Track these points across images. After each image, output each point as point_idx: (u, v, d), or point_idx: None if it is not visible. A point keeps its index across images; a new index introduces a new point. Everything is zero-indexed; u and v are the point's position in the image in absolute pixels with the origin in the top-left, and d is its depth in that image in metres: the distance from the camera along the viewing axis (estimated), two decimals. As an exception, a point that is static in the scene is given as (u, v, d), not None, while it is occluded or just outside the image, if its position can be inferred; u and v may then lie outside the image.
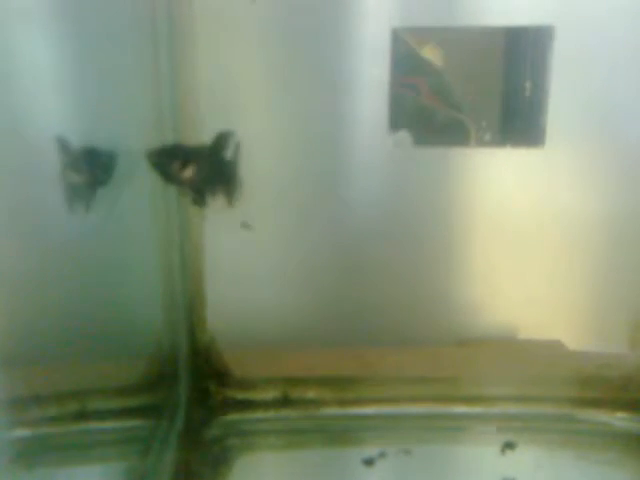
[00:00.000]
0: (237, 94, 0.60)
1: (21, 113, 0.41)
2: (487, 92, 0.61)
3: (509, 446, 0.60)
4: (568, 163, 0.61)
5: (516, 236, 0.63)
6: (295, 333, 0.64)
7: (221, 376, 0.61)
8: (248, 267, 0.63)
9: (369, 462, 0.58)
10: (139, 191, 0.57)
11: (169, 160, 0.57)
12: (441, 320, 0.65)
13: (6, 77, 0.40)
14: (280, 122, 0.61)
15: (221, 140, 0.59)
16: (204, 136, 0.60)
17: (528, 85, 0.59)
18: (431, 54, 0.60)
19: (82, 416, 0.46)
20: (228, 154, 0.60)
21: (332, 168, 0.62)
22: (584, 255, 0.63)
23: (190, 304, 0.62)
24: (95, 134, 0.49)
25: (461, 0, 0.58)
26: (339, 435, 0.62)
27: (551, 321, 0.65)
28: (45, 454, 0.44)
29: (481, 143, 0.61)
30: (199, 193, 0.60)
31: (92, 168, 0.48)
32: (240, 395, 0.61)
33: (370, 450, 0.59)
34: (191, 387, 0.62)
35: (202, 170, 0.59)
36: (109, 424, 0.50)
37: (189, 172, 0.57)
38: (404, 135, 0.61)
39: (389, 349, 0.64)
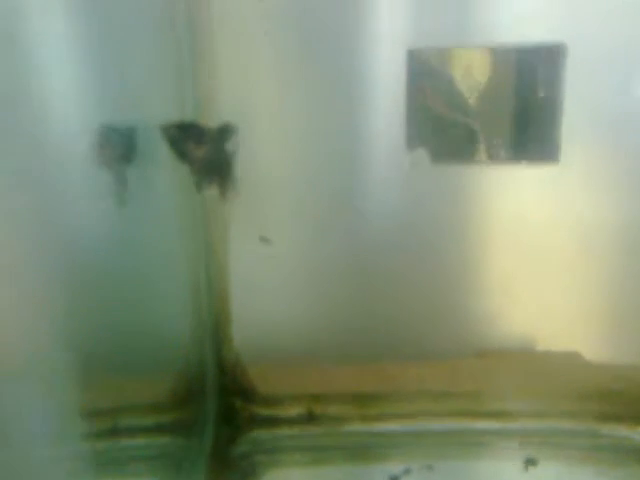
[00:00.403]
0: (252, 112, 0.62)
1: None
2: (502, 110, 0.62)
3: (531, 462, 0.60)
4: (583, 177, 0.62)
5: (533, 248, 0.64)
6: (317, 346, 0.65)
7: (247, 393, 0.61)
8: (269, 282, 0.64)
9: (394, 479, 0.58)
10: (166, 197, 0.58)
11: (185, 136, 0.58)
12: (459, 331, 0.66)
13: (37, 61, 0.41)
14: (297, 140, 0.62)
15: (227, 129, 0.60)
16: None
17: (542, 102, 0.61)
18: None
19: (115, 433, 0.46)
20: (229, 145, 0.61)
21: (349, 184, 0.63)
22: (601, 266, 0.64)
23: (216, 320, 0.63)
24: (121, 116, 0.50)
25: (474, 20, 0.60)
26: (363, 451, 0.62)
27: (568, 332, 0.66)
28: (78, 470, 0.44)
29: (497, 160, 0.62)
30: (204, 176, 0.61)
31: (119, 144, 0.49)
32: (266, 412, 0.62)
33: (394, 466, 0.59)
34: (218, 404, 0.62)
35: (211, 152, 0.60)
36: (140, 441, 0.50)
37: (202, 151, 0.58)
38: (421, 153, 0.63)
39: (409, 363, 0.65)
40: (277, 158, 0.62)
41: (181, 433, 0.56)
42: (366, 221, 0.64)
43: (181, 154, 0.59)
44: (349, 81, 0.61)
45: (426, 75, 0.61)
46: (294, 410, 0.63)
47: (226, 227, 0.63)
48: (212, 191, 0.62)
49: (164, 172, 0.59)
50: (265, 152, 0.62)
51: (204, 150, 0.59)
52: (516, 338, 0.66)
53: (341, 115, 0.62)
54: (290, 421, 0.62)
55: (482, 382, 0.65)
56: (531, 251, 0.64)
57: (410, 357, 0.65)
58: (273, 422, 0.62)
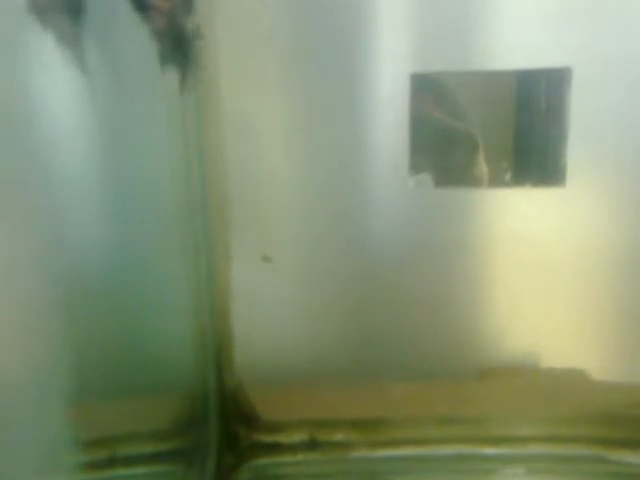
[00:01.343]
0: (257, 137, 0.62)
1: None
2: (506, 133, 0.62)
3: (539, 489, 0.60)
4: (589, 199, 0.61)
5: (537, 267, 0.63)
6: (319, 367, 0.65)
7: (249, 419, 0.61)
8: (271, 302, 0.64)
9: (400, 506, 0.58)
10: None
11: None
12: (463, 349, 0.65)
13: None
14: (300, 160, 0.62)
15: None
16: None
17: (546, 125, 0.61)
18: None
19: (113, 462, 0.46)
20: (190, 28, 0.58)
21: (352, 205, 0.63)
22: (607, 284, 0.63)
23: (218, 344, 0.63)
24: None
25: (478, 44, 0.60)
26: (367, 478, 0.61)
27: (574, 350, 0.65)
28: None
29: (502, 183, 0.62)
30: (167, 47, 0.56)
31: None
32: (268, 439, 0.61)
33: (400, 494, 0.59)
34: (220, 431, 0.62)
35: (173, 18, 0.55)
36: (140, 470, 0.50)
37: (168, 4, 0.54)
38: (424, 177, 0.62)
39: (413, 384, 0.64)
40: (279, 178, 0.63)
41: (182, 461, 0.56)
42: (369, 242, 0.64)
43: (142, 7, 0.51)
44: (353, 105, 0.61)
45: (429, 99, 0.61)
46: (297, 437, 0.62)
47: (228, 248, 0.63)
48: (172, 75, 0.58)
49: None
50: (267, 171, 0.62)
51: (169, 5, 0.53)
52: (521, 356, 0.66)
53: (344, 139, 0.62)
54: (293, 448, 0.62)
55: (487, 405, 0.65)
56: (536, 270, 0.63)
57: (414, 375, 0.65)
58: (276, 449, 0.61)
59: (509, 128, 0.61)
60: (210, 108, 0.61)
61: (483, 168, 0.61)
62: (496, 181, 0.62)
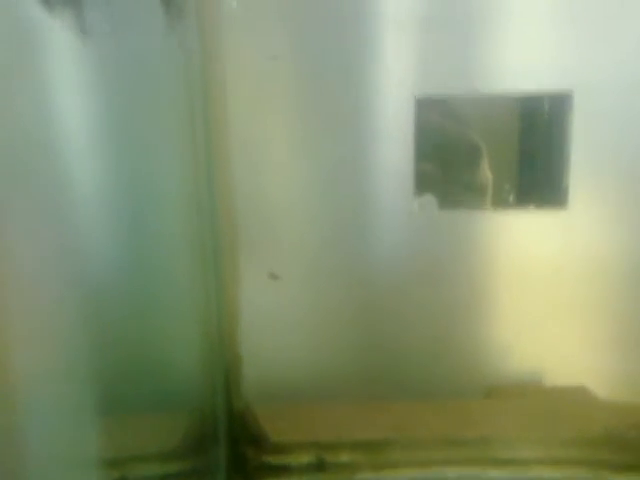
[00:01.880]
0: (264, 156, 0.63)
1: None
2: (509, 156, 0.63)
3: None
4: (591, 219, 0.63)
5: (541, 286, 0.64)
6: (327, 386, 0.66)
7: (257, 440, 0.61)
8: (278, 321, 0.65)
9: (407, 529, 0.57)
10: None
11: None
12: (468, 368, 0.66)
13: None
14: (306, 182, 0.64)
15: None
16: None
17: (549, 148, 0.62)
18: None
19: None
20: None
21: (358, 226, 0.64)
22: (610, 303, 0.65)
23: (226, 364, 0.63)
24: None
25: (482, 68, 0.61)
26: (374, 501, 0.61)
27: (578, 368, 0.66)
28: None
29: (505, 205, 0.63)
30: None
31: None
32: (276, 460, 0.61)
33: (406, 516, 0.59)
34: (229, 452, 0.61)
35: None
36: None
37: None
38: (429, 199, 0.63)
39: (419, 404, 0.64)
40: (286, 198, 0.63)
41: (192, 482, 0.55)
42: (375, 260, 0.65)
43: None
44: (359, 128, 0.62)
45: (434, 122, 0.62)
46: (304, 458, 0.61)
47: (236, 266, 0.64)
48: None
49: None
50: (274, 190, 0.63)
51: None
52: (525, 374, 0.66)
53: (350, 160, 0.63)
54: (300, 469, 0.61)
55: (492, 426, 0.65)
56: (540, 289, 0.64)
57: (420, 394, 0.66)
58: (284, 471, 0.61)
59: (512, 151, 0.63)
60: (218, 126, 0.62)
61: (488, 189, 0.63)
62: (500, 203, 0.63)
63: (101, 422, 0.44)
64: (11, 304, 0.37)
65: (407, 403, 0.64)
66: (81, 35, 0.47)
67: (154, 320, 0.54)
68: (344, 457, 0.62)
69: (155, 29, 0.55)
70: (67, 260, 0.44)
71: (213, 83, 0.61)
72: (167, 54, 0.57)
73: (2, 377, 0.36)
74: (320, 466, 0.61)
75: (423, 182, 0.63)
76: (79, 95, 0.48)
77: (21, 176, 0.39)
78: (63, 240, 0.44)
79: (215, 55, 0.60)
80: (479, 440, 0.64)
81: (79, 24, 0.46)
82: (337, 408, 0.63)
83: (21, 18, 0.38)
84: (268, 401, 0.64)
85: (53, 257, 0.42)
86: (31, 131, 0.40)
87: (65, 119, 0.45)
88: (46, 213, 0.42)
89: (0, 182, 0.36)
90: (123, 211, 0.53)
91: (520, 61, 0.60)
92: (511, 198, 0.63)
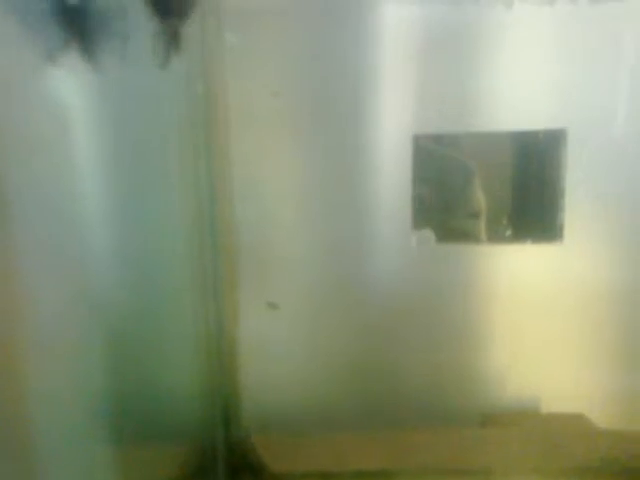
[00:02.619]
0: (265, 190, 0.65)
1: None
2: (505, 192, 0.64)
3: None
4: (586, 253, 0.63)
5: (538, 316, 0.65)
6: (325, 415, 0.67)
7: (256, 471, 0.62)
8: (277, 353, 0.66)
9: None
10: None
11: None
12: (464, 394, 0.67)
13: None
14: (306, 216, 0.65)
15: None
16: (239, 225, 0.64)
17: (544, 184, 0.63)
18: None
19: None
20: None
21: (356, 258, 0.66)
22: (607, 331, 0.65)
23: (227, 395, 0.64)
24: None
25: (478, 106, 0.62)
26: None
27: (575, 395, 0.66)
28: None
29: (502, 240, 0.64)
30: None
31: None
32: (275, 491, 0.62)
33: None
34: (229, 482, 0.63)
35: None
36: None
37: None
38: (427, 233, 0.65)
39: (417, 434, 0.65)
40: (285, 232, 0.65)
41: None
42: (372, 292, 0.66)
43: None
44: (358, 164, 0.64)
45: (431, 158, 0.64)
46: (303, 488, 0.63)
47: (235, 298, 0.65)
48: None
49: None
50: (274, 225, 0.65)
51: None
52: (522, 402, 0.67)
53: (349, 195, 0.64)
54: (299, 499, 0.62)
55: (491, 455, 0.65)
56: (536, 320, 0.65)
57: (417, 421, 0.66)
58: (282, 501, 0.62)
59: (509, 186, 0.64)
60: (220, 161, 0.63)
61: (484, 225, 0.64)
62: (497, 238, 0.64)
63: (103, 452, 0.46)
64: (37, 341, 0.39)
65: (405, 432, 0.65)
66: (90, 74, 0.49)
67: (156, 352, 0.56)
68: (343, 487, 0.63)
69: (158, 69, 0.57)
70: (81, 296, 0.46)
71: (216, 119, 0.63)
72: (171, 92, 0.59)
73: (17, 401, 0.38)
74: (319, 496, 0.62)
75: (421, 216, 0.64)
76: (88, 130, 0.50)
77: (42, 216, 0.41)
78: (76, 273, 0.46)
79: (218, 91, 0.62)
80: (478, 470, 0.65)
81: (89, 63, 0.48)
82: (335, 438, 0.64)
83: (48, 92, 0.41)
84: (267, 430, 0.65)
85: (71, 298, 0.44)
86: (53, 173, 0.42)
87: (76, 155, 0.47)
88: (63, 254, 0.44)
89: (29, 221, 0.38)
90: (127, 248, 0.55)
91: (515, 99, 0.62)
92: (508, 232, 0.64)
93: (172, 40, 0.49)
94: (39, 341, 0.42)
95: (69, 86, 0.46)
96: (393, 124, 0.63)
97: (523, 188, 0.63)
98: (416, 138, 0.63)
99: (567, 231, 0.63)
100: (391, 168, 0.64)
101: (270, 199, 0.65)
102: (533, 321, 0.65)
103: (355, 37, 0.62)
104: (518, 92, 0.62)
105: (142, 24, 0.49)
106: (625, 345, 0.65)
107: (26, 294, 0.40)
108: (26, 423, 0.41)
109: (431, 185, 0.64)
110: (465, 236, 0.65)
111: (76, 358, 0.46)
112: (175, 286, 0.61)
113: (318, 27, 0.62)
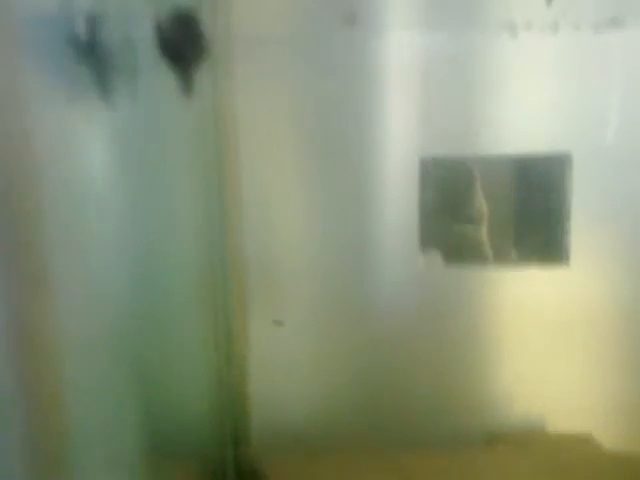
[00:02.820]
0: (274, 214, 0.66)
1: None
2: (511, 215, 0.65)
3: None
4: (592, 277, 0.64)
5: (544, 336, 0.65)
6: (332, 434, 0.67)
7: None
8: (286, 371, 0.67)
9: None
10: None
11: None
12: (471, 413, 0.67)
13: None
14: (313, 241, 0.66)
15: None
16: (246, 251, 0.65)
17: (550, 208, 0.63)
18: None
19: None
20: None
21: (363, 278, 0.66)
22: (612, 351, 0.65)
23: (236, 413, 0.65)
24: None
25: (484, 130, 0.63)
26: None
27: (580, 417, 0.66)
28: None
29: (508, 262, 0.64)
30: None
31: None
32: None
33: None
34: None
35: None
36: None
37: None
38: (434, 255, 0.65)
39: (425, 455, 0.65)
40: (294, 254, 0.66)
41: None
42: (381, 313, 0.66)
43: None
44: (366, 187, 0.65)
45: (437, 181, 0.64)
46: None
47: (244, 315, 0.66)
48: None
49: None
50: (282, 248, 0.66)
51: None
52: (528, 422, 0.67)
53: (357, 218, 0.65)
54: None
55: (497, 477, 0.65)
56: (542, 339, 0.65)
57: (423, 439, 0.66)
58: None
59: (514, 210, 0.64)
60: (231, 185, 0.64)
61: (491, 248, 0.64)
62: (503, 259, 0.64)
63: (113, 469, 0.47)
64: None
65: (412, 451, 0.65)
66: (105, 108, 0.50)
67: (167, 372, 0.57)
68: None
69: (170, 95, 0.58)
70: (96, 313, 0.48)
71: (226, 143, 0.64)
72: (182, 119, 0.60)
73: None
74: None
75: (428, 238, 0.65)
76: (107, 159, 0.51)
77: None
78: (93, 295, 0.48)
79: (227, 115, 0.63)
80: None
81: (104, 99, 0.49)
82: (342, 459, 0.65)
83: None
84: (276, 448, 0.66)
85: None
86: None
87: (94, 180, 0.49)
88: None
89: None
90: (141, 274, 0.56)
91: (520, 123, 0.62)
92: (514, 256, 0.64)
93: (183, 79, 0.51)
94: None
95: (87, 122, 0.47)
96: (400, 149, 0.64)
97: (529, 211, 0.64)
98: (423, 160, 0.64)
99: (573, 254, 0.63)
100: (399, 191, 0.64)
101: (278, 222, 0.66)
102: (539, 341, 0.65)
103: (362, 63, 0.63)
104: (523, 117, 0.62)
105: (154, 65, 0.50)
106: (631, 365, 0.65)
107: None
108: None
109: (440, 218, 0.65)
110: (472, 258, 0.65)
111: (94, 378, 0.47)
112: (188, 313, 0.62)
113: (324, 53, 0.63)
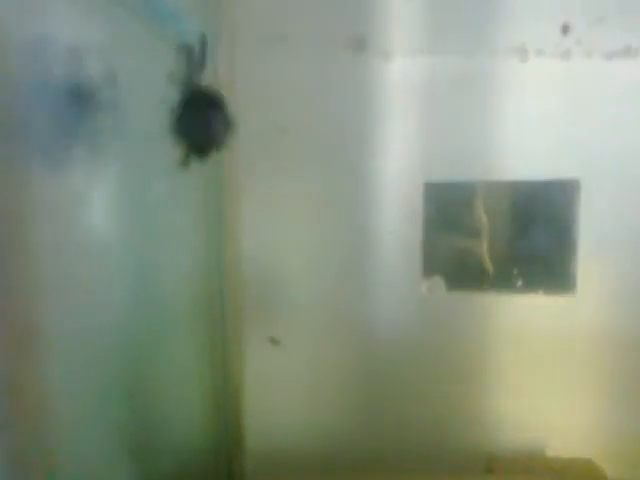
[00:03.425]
0: (273, 234, 0.65)
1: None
2: (518, 242, 0.63)
3: None
4: (598, 305, 0.63)
5: (545, 361, 0.64)
6: (328, 457, 0.66)
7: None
8: (282, 393, 0.67)
9: None
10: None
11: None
12: (470, 436, 0.66)
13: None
14: (313, 263, 0.65)
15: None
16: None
17: (558, 235, 0.62)
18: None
19: None
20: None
21: (366, 304, 0.66)
22: (615, 379, 0.64)
23: (230, 435, 0.64)
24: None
25: (492, 156, 0.62)
26: None
27: (579, 440, 0.65)
28: None
29: (513, 289, 0.63)
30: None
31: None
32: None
33: None
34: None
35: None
36: None
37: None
38: (437, 281, 0.64)
39: (423, 478, 0.65)
40: (293, 277, 0.65)
41: None
42: (379, 335, 0.66)
43: None
44: (370, 213, 0.64)
45: (442, 207, 0.63)
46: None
47: (240, 337, 0.65)
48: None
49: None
50: (281, 270, 0.65)
51: None
52: (530, 445, 0.66)
53: (359, 242, 0.64)
54: None
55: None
56: (545, 365, 0.64)
57: (422, 462, 0.65)
58: None
59: (520, 237, 0.63)
60: (230, 203, 0.64)
61: (497, 274, 0.63)
62: (508, 287, 0.63)
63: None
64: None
65: (410, 477, 0.64)
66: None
67: (164, 388, 0.56)
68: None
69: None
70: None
71: (227, 165, 0.63)
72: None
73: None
74: None
75: (431, 265, 0.64)
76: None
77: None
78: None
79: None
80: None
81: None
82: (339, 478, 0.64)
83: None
84: (271, 467, 0.65)
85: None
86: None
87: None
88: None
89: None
90: (138, 294, 0.55)
91: (528, 149, 0.61)
92: (519, 283, 0.63)
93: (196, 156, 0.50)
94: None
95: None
96: (405, 174, 0.63)
97: (535, 238, 0.63)
98: (427, 185, 0.63)
99: (580, 282, 0.62)
100: (402, 216, 0.64)
101: (277, 243, 0.65)
102: (542, 368, 0.64)
103: (370, 88, 0.62)
104: (531, 142, 0.61)
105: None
106: (633, 392, 0.65)
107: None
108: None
109: (444, 245, 0.64)
110: (475, 285, 0.64)
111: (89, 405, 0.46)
112: (186, 334, 0.61)
113: (330, 80, 0.63)
